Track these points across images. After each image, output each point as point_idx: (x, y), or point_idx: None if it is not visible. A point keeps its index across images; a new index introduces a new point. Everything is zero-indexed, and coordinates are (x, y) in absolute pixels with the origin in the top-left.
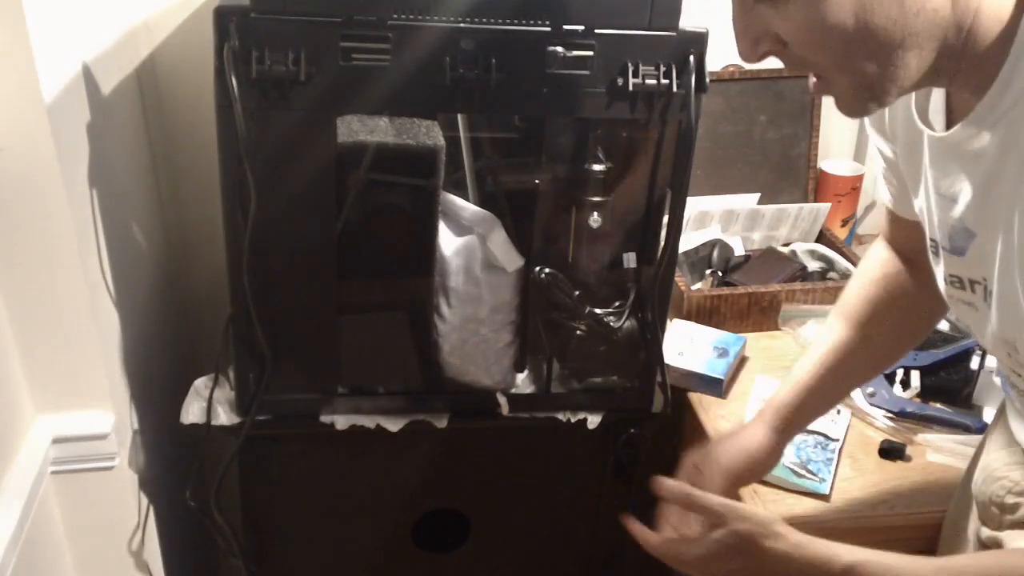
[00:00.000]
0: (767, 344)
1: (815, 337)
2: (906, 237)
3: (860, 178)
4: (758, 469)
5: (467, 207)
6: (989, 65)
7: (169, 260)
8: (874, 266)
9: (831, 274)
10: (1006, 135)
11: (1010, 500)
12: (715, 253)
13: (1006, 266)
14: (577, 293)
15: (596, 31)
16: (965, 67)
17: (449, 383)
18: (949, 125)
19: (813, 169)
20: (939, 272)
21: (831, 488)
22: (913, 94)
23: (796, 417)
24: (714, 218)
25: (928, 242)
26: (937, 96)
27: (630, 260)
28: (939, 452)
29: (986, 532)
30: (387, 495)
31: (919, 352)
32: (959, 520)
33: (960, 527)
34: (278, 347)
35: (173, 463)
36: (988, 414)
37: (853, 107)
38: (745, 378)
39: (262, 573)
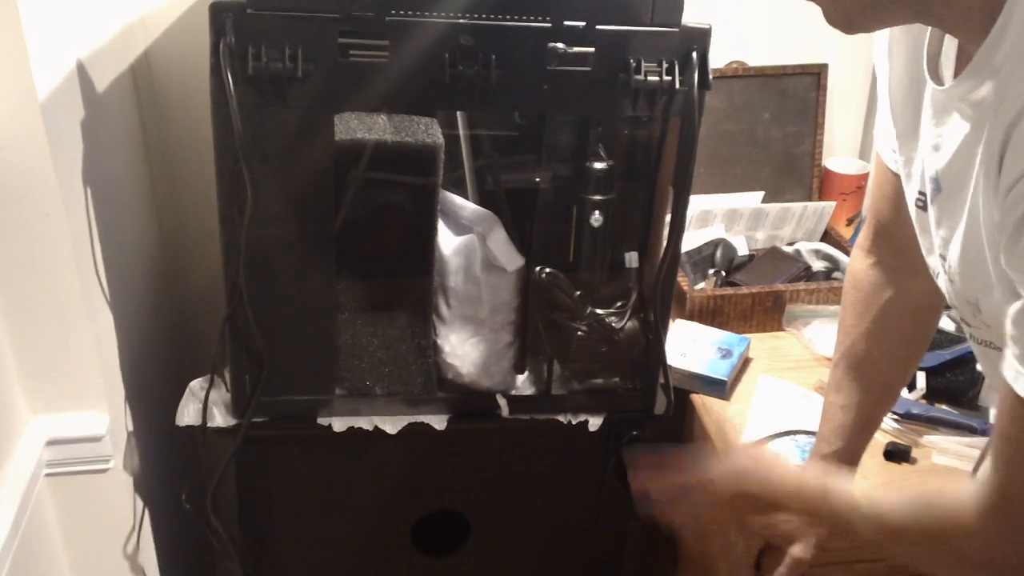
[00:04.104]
0: (771, 345)
1: (832, 402)
2: (890, 216)
3: (865, 176)
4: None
5: (467, 206)
6: (977, 12)
7: (165, 259)
8: (863, 299)
9: (836, 274)
10: (999, 88)
11: None
12: (718, 252)
13: (972, 226)
14: (578, 293)
15: (597, 27)
16: (954, 12)
17: (448, 384)
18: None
19: (817, 167)
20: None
21: None
22: (925, 45)
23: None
24: (717, 217)
25: (915, 199)
26: (949, 47)
27: (632, 260)
28: (944, 454)
29: None
30: (386, 497)
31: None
32: None
33: None
34: (275, 348)
35: (169, 465)
36: (994, 415)
37: (836, 24)
38: (749, 379)
39: None
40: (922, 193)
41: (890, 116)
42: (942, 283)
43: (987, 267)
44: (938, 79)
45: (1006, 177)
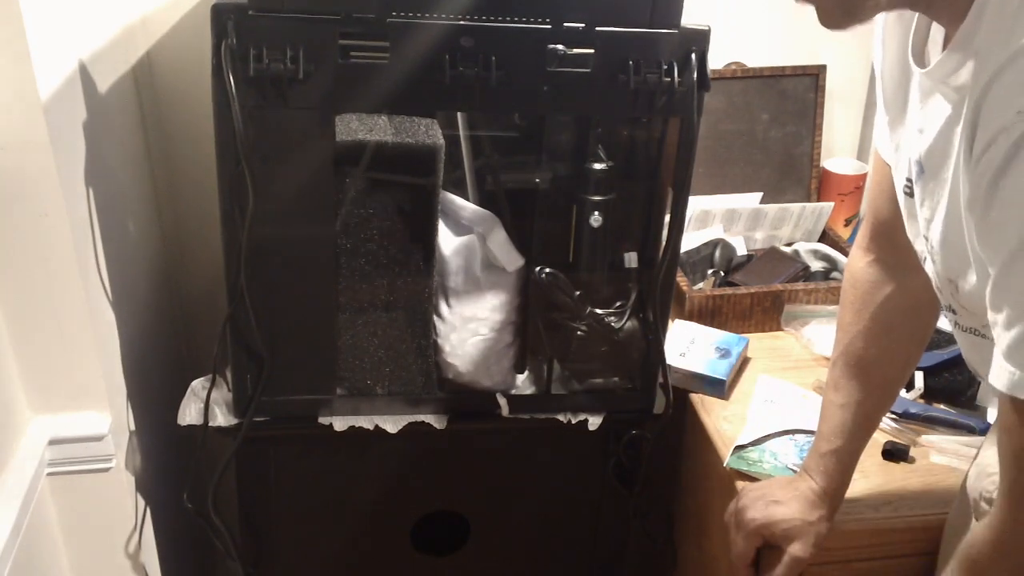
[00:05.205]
0: (770, 345)
1: (831, 401)
2: (889, 213)
3: (863, 177)
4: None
5: (467, 206)
6: None
7: (166, 260)
8: (861, 297)
9: (834, 274)
10: (977, 68)
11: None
12: (717, 253)
13: (953, 205)
14: (578, 293)
15: (597, 28)
16: None
17: (449, 384)
18: None
19: (816, 168)
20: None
21: None
22: (911, 33)
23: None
24: (716, 217)
25: (903, 185)
26: (936, 34)
27: (631, 260)
28: (943, 454)
29: None
30: (386, 497)
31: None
32: (960, 522)
33: (961, 529)
34: (276, 348)
35: (170, 465)
36: (992, 415)
37: (832, 20)
38: (747, 379)
39: (259, 575)
40: (909, 180)
41: (883, 105)
42: (928, 267)
43: (966, 247)
44: (924, 65)
45: (976, 148)
